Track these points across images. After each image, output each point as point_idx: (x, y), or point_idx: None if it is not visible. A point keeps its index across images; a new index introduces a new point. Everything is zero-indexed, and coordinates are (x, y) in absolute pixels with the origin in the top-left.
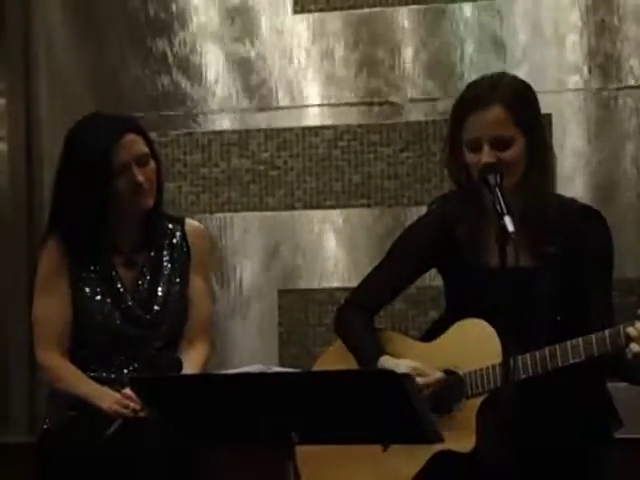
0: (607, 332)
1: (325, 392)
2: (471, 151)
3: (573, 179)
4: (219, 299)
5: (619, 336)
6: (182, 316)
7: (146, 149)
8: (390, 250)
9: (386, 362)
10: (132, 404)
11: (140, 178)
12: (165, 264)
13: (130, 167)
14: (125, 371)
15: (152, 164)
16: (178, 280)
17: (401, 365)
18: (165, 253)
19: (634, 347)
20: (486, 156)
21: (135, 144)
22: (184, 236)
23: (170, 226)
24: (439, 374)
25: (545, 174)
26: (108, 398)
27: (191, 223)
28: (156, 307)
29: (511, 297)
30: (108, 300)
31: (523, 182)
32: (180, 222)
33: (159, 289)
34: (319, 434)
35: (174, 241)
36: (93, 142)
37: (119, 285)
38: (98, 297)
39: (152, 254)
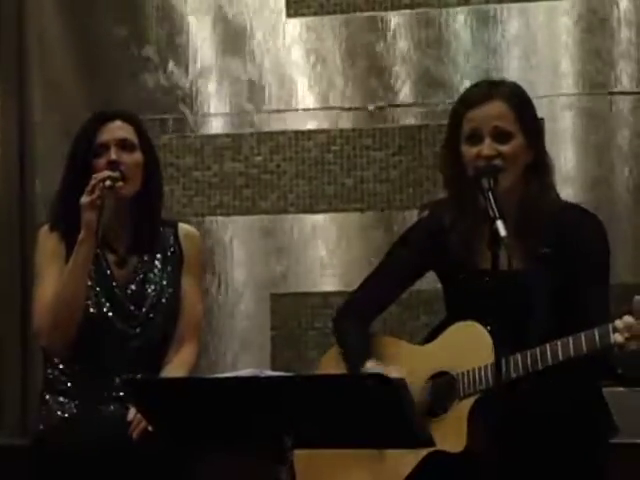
0: (596, 330)
1: (318, 396)
2: (471, 144)
3: (565, 185)
4: (212, 303)
5: (608, 334)
6: (172, 317)
7: (131, 136)
8: (384, 259)
9: (372, 368)
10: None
11: (114, 156)
12: (157, 267)
13: (109, 148)
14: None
15: (138, 154)
16: (170, 282)
17: (389, 370)
18: (158, 256)
19: (617, 337)
20: (487, 148)
21: (119, 129)
22: (177, 240)
23: (163, 229)
24: (422, 385)
25: (545, 178)
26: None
27: (184, 227)
28: (146, 306)
29: (505, 299)
30: (101, 293)
31: (524, 184)
32: (173, 226)
33: (150, 290)
34: (312, 438)
35: (167, 244)
36: (83, 129)
37: (112, 280)
38: (91, 288)
39: (145, 258)
